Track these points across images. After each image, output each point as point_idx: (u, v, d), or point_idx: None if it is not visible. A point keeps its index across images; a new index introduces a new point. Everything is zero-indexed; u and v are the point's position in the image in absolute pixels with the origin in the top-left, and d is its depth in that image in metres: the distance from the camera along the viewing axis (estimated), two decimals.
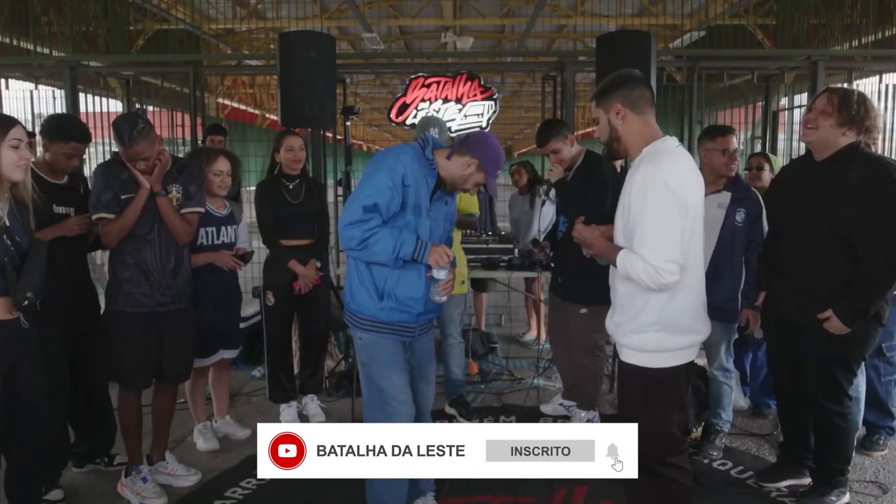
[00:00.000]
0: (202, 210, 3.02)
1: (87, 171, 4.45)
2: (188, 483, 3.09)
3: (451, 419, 3.72)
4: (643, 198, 2.05)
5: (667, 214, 2.03)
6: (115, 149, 3.05)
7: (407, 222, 2.40)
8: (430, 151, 2.45)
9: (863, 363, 3.05)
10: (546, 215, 4.73)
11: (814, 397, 2.76)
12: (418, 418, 2.69)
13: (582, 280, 3.28)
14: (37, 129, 3.77)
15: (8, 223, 2.22)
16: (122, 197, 2.75)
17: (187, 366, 3.13)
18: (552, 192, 3.61)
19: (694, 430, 3.43)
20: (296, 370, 3.92)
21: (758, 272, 3.09)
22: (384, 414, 2.52)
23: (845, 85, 5.91)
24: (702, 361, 3.56)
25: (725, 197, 3.23)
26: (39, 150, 2.97)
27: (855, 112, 2.55)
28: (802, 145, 2.82)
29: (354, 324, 2.53)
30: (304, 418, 3.81)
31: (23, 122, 2.69)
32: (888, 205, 2.48)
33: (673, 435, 2.32)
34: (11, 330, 2.26)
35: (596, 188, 3.30)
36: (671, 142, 2.17)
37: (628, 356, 2.25)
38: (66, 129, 2.88)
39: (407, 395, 2.53)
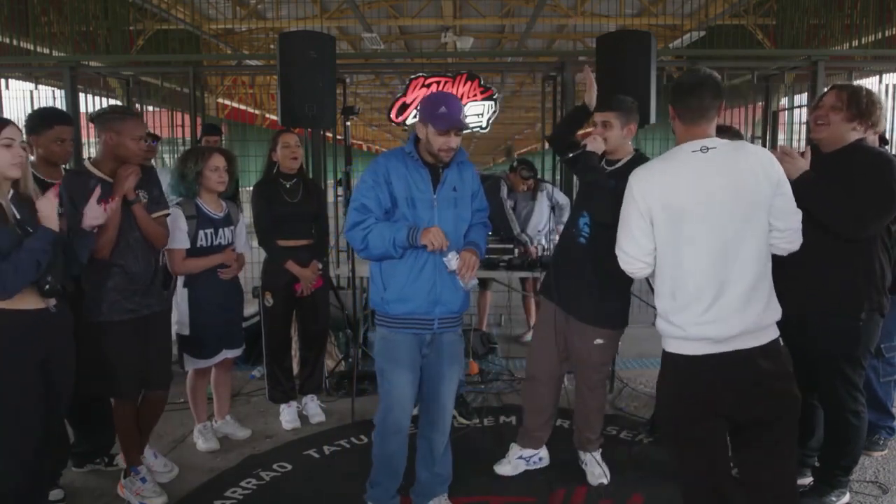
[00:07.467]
0: (169, 212, 3.02)
1: None
2: (163, 481, 3.06)
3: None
4: None
5: (625, 212, 2.14)
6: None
7: (401, 215, 2.50)
8: (410, 144, 2.55)
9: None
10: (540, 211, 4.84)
11: (828, 397, 2.76)
12: (436, 418, 2.71)
13: (609, 301, 2.91)
14: None
15: (19, 216, 2.27)
16: None
17: (169, 370, 3.11)
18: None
19: None
20: (295, 370, 3.92)
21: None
22: (383, 410, 2.64)
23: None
24: None
25: None
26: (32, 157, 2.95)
27: (865, 107, 2.59)
28: (802, 145, 2.82)
29: (375, 321, 2.66)
30: (303, 418, 3.81)
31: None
32: (876, 181, 2.50)
33: None
34: (42, 319, 2.32)
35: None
36: (685, 146, 2.06)
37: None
38: (47, 117, 2.91)
39: (406, 397, 2.62)
